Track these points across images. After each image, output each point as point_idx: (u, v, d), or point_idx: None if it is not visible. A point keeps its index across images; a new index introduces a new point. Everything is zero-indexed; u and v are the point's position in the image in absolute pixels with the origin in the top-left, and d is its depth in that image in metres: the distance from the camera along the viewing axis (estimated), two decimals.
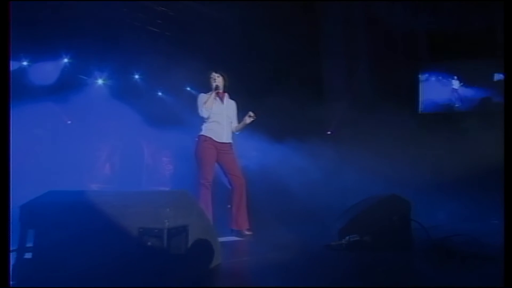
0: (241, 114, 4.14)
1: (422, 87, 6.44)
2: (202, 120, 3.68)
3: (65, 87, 6.39)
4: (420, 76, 6.50)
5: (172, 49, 6.93)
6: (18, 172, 5.45)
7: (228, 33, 6.89)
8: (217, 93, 3.66)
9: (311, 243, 3.27)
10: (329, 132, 6.94)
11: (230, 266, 2.41)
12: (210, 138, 3.61)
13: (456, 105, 6.20)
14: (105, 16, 6.03)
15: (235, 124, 3.82)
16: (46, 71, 6.48)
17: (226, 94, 3.78)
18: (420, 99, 6.42)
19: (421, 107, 6.40)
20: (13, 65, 6.38)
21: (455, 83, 6.22)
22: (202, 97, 3.68)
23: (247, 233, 3.69)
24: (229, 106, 3.80)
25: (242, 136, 4.64)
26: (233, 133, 3.82)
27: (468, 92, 6.09)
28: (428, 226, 3.05)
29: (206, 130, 3.64)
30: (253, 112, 3.67)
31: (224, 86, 3.74)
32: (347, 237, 2.94)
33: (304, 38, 6.82)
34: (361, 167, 5.67)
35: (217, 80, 3.67)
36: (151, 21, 6.60)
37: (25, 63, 6.34)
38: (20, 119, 5.85)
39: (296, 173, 6.03)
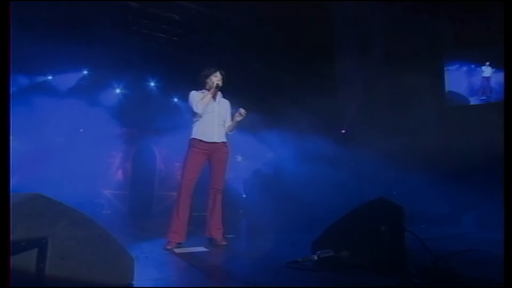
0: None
1: (447, 77, 5.42)
2: (193, 120, 3.19)
3: (80, 97, 6.37)
4: (445, 66, 5.49)
5: (181, 54, 6.64)
6: (36, 178, 5.42)
7: (236, 33, 6.43)
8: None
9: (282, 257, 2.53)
10: (343, 131, 6.16)
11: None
12: (200, 140, 3.11)
13: (484, 97, 5.10)
14: (112, 26, 5.86)
15: (228, 123, 3.28)
16: (63, 83, 6.53)
17: (219, 92, 3.28)
18: (446, 90, 5.41)
19: (446, 99, 5.38)
20: (37, 78, 6.56)
21: (487, 71, 5.14)
22: (195, 93, 3.20)
23: (222, 243, 3.09)
24: (222, 104, 3.30)
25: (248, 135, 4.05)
26: (227, 133, 3.29)
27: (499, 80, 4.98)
28: (428, 237, 2.21)
29: (196, 132, 3.15)
30: (243, 108, 3.13)
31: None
32: (318, 252, 2.21)
33: (318, 31, 6.17)
34: (376, 168, 4.89)
35: (221, 79, 3.21)
36: (157, 27, 6.34)
37: (50, 77, 6.43)
38: (39, 127, 5.88)
39: (308, 175, 5.37)
